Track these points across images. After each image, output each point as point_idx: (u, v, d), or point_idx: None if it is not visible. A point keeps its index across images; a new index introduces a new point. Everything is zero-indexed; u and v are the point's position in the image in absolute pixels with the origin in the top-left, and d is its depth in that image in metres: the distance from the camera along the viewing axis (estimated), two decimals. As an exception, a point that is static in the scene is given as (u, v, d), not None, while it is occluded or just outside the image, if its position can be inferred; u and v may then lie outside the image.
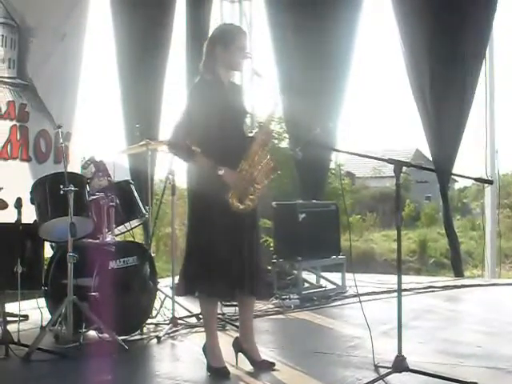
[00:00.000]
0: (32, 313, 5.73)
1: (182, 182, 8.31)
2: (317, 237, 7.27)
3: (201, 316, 5.67)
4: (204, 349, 4.37)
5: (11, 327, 5.01)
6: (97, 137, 9.30)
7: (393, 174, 4.02)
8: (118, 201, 5.55)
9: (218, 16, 9.73)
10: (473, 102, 8.65)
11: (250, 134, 4.39)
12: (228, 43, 4.25)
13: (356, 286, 5.12)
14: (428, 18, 8.43)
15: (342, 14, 8.90)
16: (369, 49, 32.40)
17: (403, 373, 3.95)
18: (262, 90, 4.67)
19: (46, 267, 5.57)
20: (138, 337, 5.36)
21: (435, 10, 8.33)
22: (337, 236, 7.69)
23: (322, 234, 7.35)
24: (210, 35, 4.47)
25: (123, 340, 5.00)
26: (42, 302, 5.46)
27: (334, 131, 9.17)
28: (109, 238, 5.46)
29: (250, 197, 4.18)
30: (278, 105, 4.32)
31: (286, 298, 6.86)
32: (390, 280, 7.57)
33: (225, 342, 4.49)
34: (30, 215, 5.31)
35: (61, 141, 5.30)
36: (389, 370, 4.00)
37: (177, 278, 5.84)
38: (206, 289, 4.23)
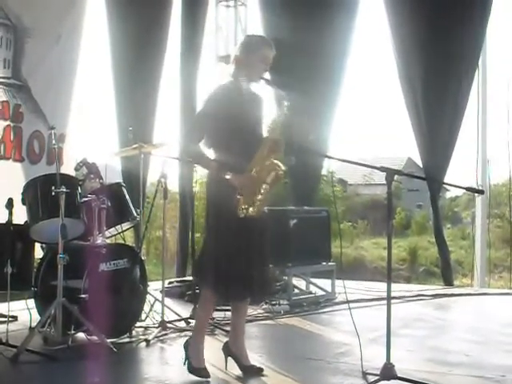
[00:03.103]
0: (21, 314, 5.72)
1: (173, 186, 8.30)
2: (307, 243, 7.27)
3: (190, 320, 5.70)
4: (186, 346, 4.36)
5: (0, 328, 5.00)
6: (91, 139, 9.29)
7: (384, 182, 4.03)
8: (109, 203, 5.54)
9: (213, 20, 9.75)
10: (465, 112, 8.69)
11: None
12: (252, 51, 4.29)
13: (346, 293, 5.14)
14: (421, 26, 8.47)
15: (336, 20, 8.94)
16: (362, 56, 32.50)
17: (391, 380, 3.96)
18: (269, 96, 4.65)
19: (35, 268, 5.57)
20: (127, 340, 5.35)
21: (428, 17, 8.38)
22: (327, 243, 7.69)
23: (312, 240, 7.35)
24: (238, 42, 4.56)
25: (112, 343, 5.00)
26: (31, 303, 5.44)
27: (326, 138, 9.20)
28: (99, 241, 5.46)
29: (256, 203, 4.14)
30: (286, 110, 4.30)
31: (276, 304, 6.85)
32: (380, 287, 7.58)
33: (213, 346, 4.49)
34: (21, 216, 5.30)
35: (54, 142, 5.30)
36: (377, 378, 4.00)
37: (167, 282, 5.86)
38: (219, 290, 4.22)
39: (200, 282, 4.44)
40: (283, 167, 4.19)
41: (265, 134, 4.31)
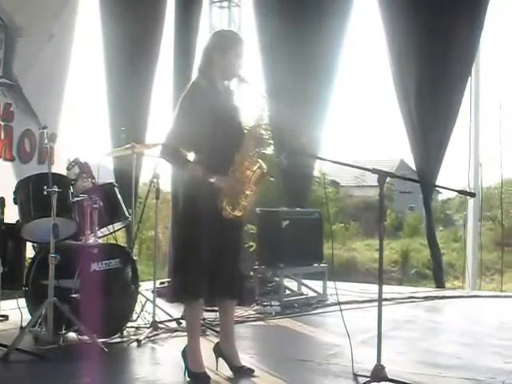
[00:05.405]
0: (12, 313, 5.71)
1: (166, 186, 8.27)
2: (299, 244, 7.27)
3: (182, 320, 5.68)
4: (183, 353, 4.35)
5: (-10, 327, 4.99)
6: (83, 138, 9.28)
7: (376, 184, 4.03)
8: (101, 203, 5.52)
9: (207, 21, 9.75)
10: (458, 115, 8.71)
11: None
12: (226, 49, 4.22)
13: (337, 295, 5.14)
14: (415, 30, 8.49)
15: (330, 22, 8.93)
16: (356, 58, 32.52)
17: (382, 382, 3.96)
18: (248, 96, 4.63)
19: (27, 268, 5.55)
20: (118, 340, 5.33)
21: (423, 20, 8.39)
22: (319, 244, 7.69)
23: (304, 241, 7.35)
24: (208, 39, 4.42)
25: (103, 343, 4.99)
26: (22, 302, 5.43)
27: (318, 139, 9.19)
28: (91, 240, 5.44)
29: (242, 203, 4.15)
30: (265, 110, 4.32)
31: (267, 305, 6.84)
32: (372, 289, 7.58)
33: (205, 347, 4.48)
34: (12, 215, 5.29)
35: (45, 141, 5.28)
36: (367, 379, 4.01)
37: (159, 282, 5.84)
38: (189, 292, 4.22)
39: (179, 295, 4.42)
40: (265, 166, 4.19)
41: (246, 131, 4.30)
